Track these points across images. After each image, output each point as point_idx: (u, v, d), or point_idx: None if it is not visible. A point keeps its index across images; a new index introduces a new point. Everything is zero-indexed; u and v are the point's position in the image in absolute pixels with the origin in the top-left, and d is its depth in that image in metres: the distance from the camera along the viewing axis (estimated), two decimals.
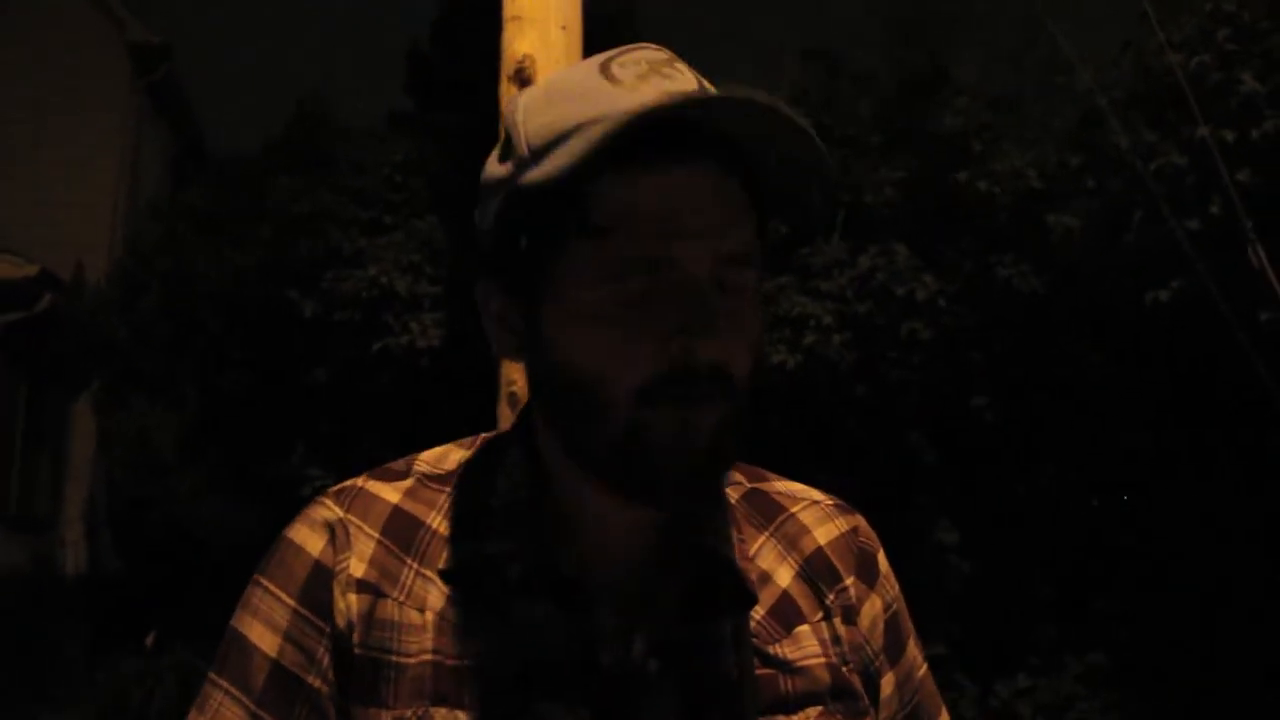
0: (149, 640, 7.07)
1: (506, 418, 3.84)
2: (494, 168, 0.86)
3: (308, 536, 0.88)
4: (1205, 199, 6.00)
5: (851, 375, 6.86)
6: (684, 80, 0.82)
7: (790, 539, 0.95)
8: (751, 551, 0.92)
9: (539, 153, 0.80)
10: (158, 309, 8.34)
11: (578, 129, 0.77)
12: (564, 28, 4.19)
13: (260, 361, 7.80)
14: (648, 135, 0.75)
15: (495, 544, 0.86)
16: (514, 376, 3.88)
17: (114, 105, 13.47)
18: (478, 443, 0.95)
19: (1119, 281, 6.68)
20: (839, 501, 1.01)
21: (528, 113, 0.83)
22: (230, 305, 7.84)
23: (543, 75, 4.03)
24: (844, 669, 0.90)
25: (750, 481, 0.99)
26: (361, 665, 0.84)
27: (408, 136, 8.11)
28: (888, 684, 0.95)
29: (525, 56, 4.03)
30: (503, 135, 0.86)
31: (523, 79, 4.01)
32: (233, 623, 0.89)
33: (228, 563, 7.75)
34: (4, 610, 9.69)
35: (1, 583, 10.46)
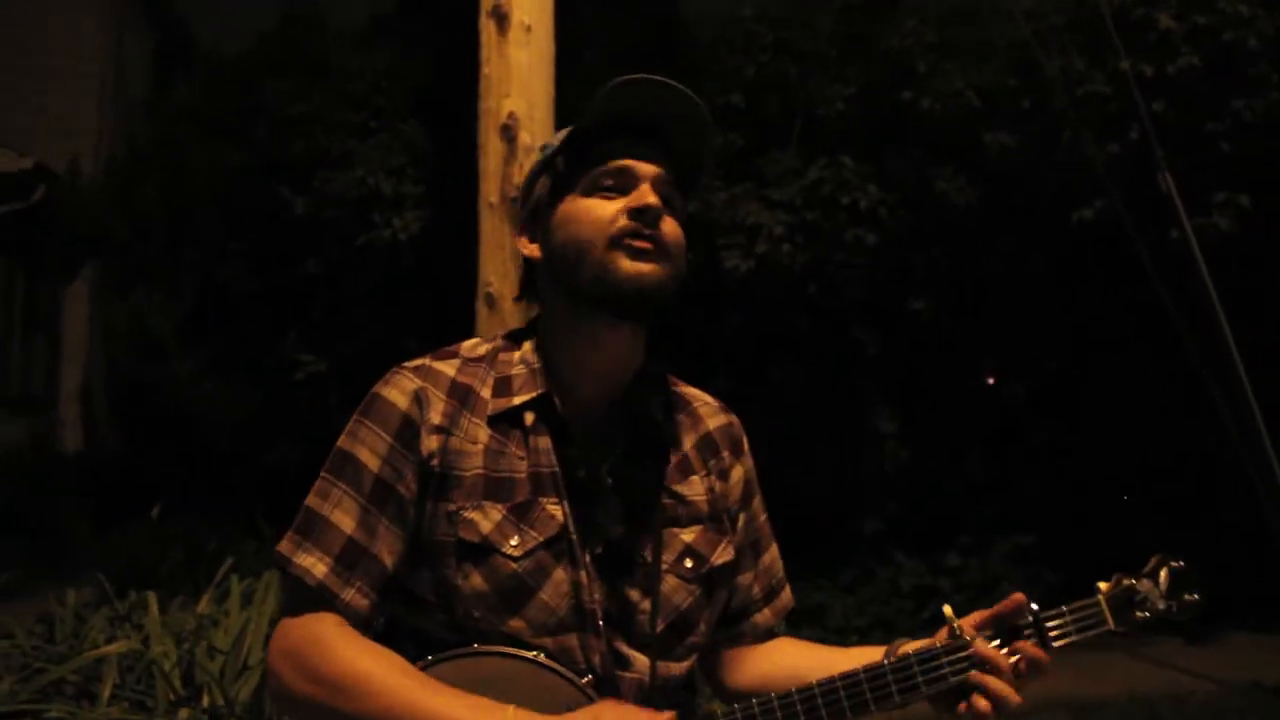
0: (154, 512, 7.52)
1: (483, 314, 4.42)
2: (538, 178, 1.50)
3: (398, 397, 1.40)
4: (1126, 126, 6.54)
5: (802, 276, 7.41)
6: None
7: (692, 422, 1.56)
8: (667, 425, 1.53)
9: (561, 136, 1.47)
10: (155, 202, 8.72)
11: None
12: None
13: (255, 254, 8.25)
14: (613, 128, 1.41)
15: (518, 399, 1.41)
16: (490, 278, 4.44)
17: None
18: (496, 338, 1.52)
19: (1048, 197, 7.22)
20: (724, 404, 1.63)
21: (558, 136, 1.49)
22: (225, 201, 8.26)
23: (518, 10, 4.51)
24: (717, 506, 1.51)
25: (670, 386, 1.58)
26: (440, 477, 1.36)
27: (392, 43, 8.46)
28: (740, 520, 1.56)
29: None
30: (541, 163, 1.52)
31: (500, 15, 4.50)
32: (343, 446, 1.40)
33: (226, 439, 8.33)
34: (9, 486, 10.22)
35: (4, 460, 10.99)
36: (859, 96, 7.46)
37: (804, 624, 7.61)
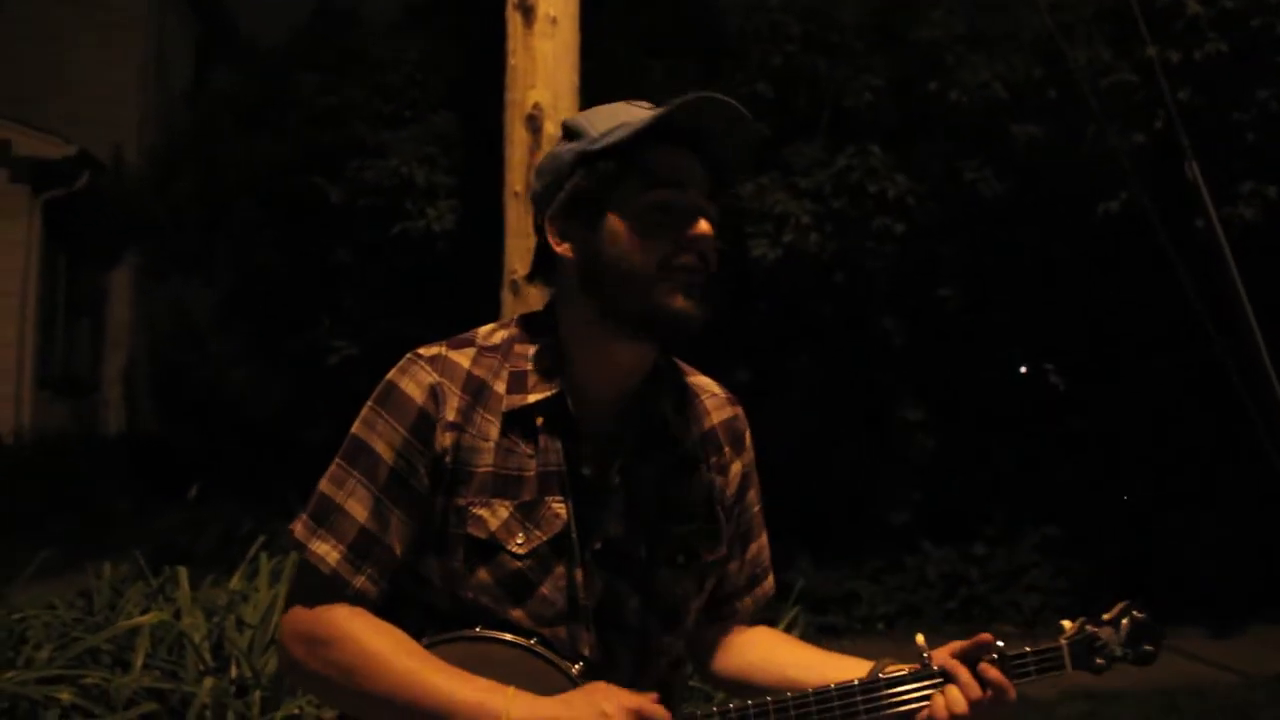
0: (192, 492, 7.69)
1: (508, 301, 4.51)
2: (563, 147, 1.44)
3: (415, 390, 1.41)
4: (1152, 115, 6.52)
5: (829, 264, 7.41)
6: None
7: (697, 416, 1.59)
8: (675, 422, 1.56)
9: (605, 134, 1.39)
10: (192, 191, 8.90)
11: (625, 124, 1.38)
12: None
13: (289, 242, 8.39)
14: (665, 132, 1.37)
15: (532, 396, 1.42)
16: (515, 266, 4.53)
17: None
18: (511, 324, 1.51)
19: (1075, 188, 7.20)
20: (731, 395, 1.65)
21: (590, 117, 1.44)
22: (261, 190, 8.41)
23: (544, 3, 4.59)
24: (714, 502, 1.56)
25: (679, 377, 1.59)
26: (452, 473, 1.39)
27: (424, 34, 8.58)
28: (733, 512, 1.60)
29: None
30: (565, 131, 1.47)
31: (526, 7, 4.58)
32: (358, 434, 1.41)
33: (261, 423, 8.50)
34: (54, 466, 10.44)
35: (50, 441, 11.22)
36: (886, 88, 7.47)
37: (831, 612, 7.65)
